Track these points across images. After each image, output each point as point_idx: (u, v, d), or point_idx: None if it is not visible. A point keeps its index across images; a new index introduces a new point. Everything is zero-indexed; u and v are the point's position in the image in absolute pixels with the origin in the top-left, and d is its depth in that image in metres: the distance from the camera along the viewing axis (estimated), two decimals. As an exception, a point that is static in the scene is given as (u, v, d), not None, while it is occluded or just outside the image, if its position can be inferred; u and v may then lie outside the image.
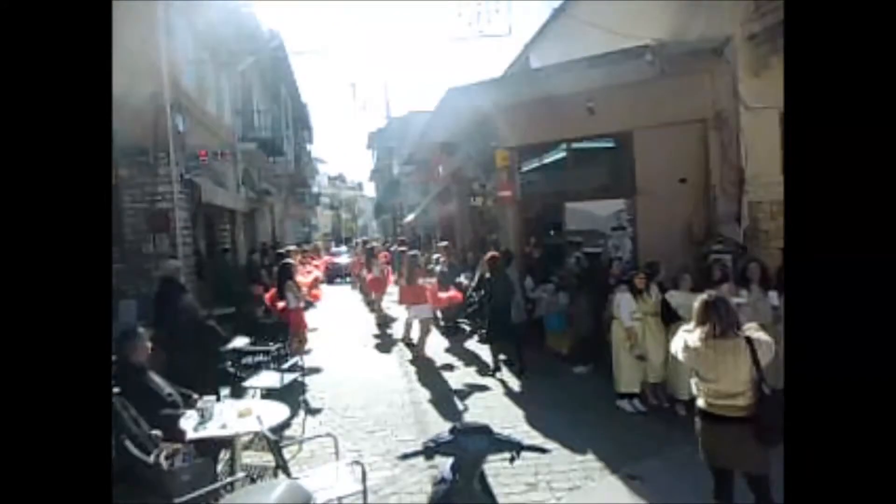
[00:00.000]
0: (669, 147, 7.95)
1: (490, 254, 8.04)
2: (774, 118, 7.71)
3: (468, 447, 2.38)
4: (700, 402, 3.31)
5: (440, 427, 5.58)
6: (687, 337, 3.30)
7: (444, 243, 11.30)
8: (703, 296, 3.34)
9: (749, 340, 3.11)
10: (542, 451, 2.77)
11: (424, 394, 6.80)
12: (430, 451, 2.39)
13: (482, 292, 8.52)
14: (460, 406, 6.31)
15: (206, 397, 4.00)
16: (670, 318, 5.68)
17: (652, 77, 7.72)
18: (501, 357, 7.53)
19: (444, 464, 2.48)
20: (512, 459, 2.47)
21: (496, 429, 2.51)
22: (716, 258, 6.83)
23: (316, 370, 7.74)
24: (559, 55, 10.66)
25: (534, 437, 5.11)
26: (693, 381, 3.36)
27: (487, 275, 7.87)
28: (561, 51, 11.09)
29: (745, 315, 4.55)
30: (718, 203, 7.68)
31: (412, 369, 7.98)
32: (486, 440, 2.42)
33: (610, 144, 8.96)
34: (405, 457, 2.50)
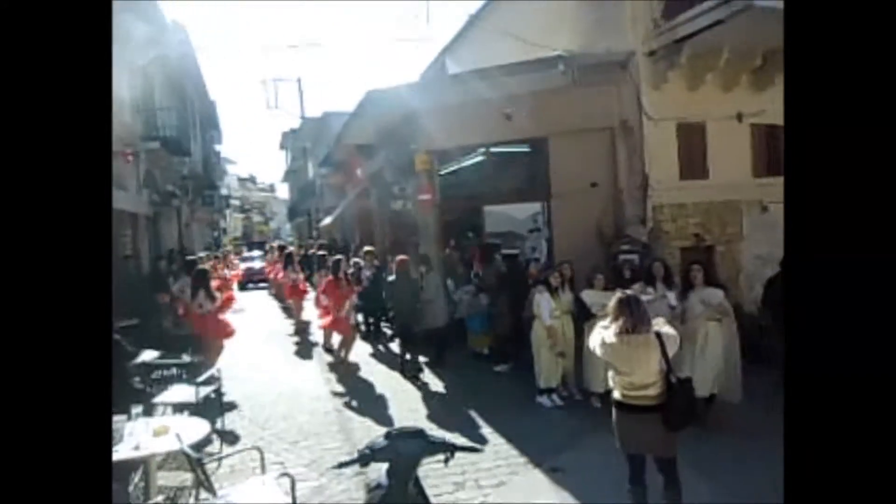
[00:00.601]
0: (581, 153, 8.36)
1: (399, 257, 8.15)
2: (673, 129, 8.39)
3: (403, 451, 2.40)
4: (616, 394, 3.53)
5: (366, 433, 5.55)
6: (603, 333, 3.50)
7: (369, 248, 11.05)
8: (618, 294, 3.56)
9: (658, 335, 3.36)
10: (475, 450, 2.84)
11: (347, 400, 6.71)
12: (365, 458, 2.38)
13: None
14: (384, 410, 6.29)
15: (114, 417, 3.72)
16: (584, 316, 5.98)
17: (564, 86, 8.10)
18: (420, 358, 7.62)
19: (380, 469, 2.48)
20: (446, 461, 2.51)
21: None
22: (625, 258, 7.27)
23: (232, 381, 7.40)
24: (474, 61, 10.92)
25: (455, 436, 5.20)
26: (609, 374, 3.58)
27: (391, 277, 7.96)
28: (476, 57, 11.36)
29: (652, 311, 4.91)
30: (626, 206, 8.19)
31: (334, 376, 7.84)
32: (421, 443, 2.45)
33: (526, 149, 9.29)
34: (341, 465, 2.48)
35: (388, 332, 10.09)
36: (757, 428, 5.35)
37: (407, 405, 6.41)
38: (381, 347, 9.38)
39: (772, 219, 9.16)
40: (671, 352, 3.35)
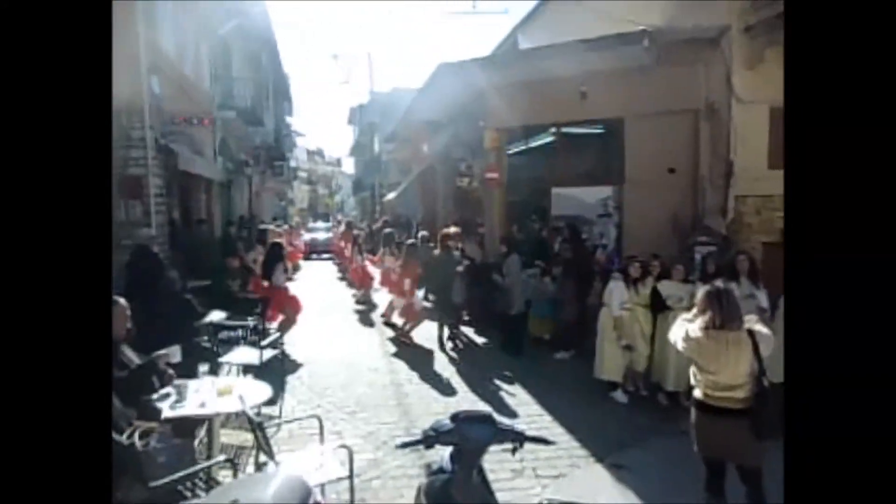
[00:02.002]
0: (660, 136, 7.89)
1: (443, 231, 8.06)
2: (765, 113, 7.74)
3: (471, 436, 2.27)
4: (697, 393, 3.27)
5: (422, 409, 5.53)
6: (688, 326, 3.24)
7: (454, 229, 9.21)
8: (707, 286, 3.28)
9: (751, 333, 3.08)
10: (547, 442, 2.68)
11: (407, 375, 6.70)
12: (430, 439, 2.27)
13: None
14: (441, 389, 6.23)
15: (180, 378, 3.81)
16: (660, 308, 5.66)
17: (647, 64, 7.62)
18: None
19: (443, 453, 2.38)
20: (514, 450, 2.38)
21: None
22: (703, 250, 6.82)
23: (293, 348, 7.57)
24: (548, 37, 10.49)
25: (516, 423, 5.05)
26: (692, 371, 3.31)
27: (437, 251, 7.88)
28: (551, 33, 10.91)
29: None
30: (706, 195, 7.68)
31: (393, 349, 7.87)
32: (490, 430, 2.32)
33: (600, 130, 8.89)
34: (405, 445, 2.38)
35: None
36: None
37: (463, 386, 6.33)
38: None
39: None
40: (765, 352, 3.05)
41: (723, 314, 3.08)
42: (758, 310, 4.91)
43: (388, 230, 11.51)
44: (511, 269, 7.54)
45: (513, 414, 5.41)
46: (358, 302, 11.30)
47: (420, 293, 8.49)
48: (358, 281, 11.99)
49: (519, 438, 2.37)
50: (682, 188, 7.82)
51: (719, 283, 3.41)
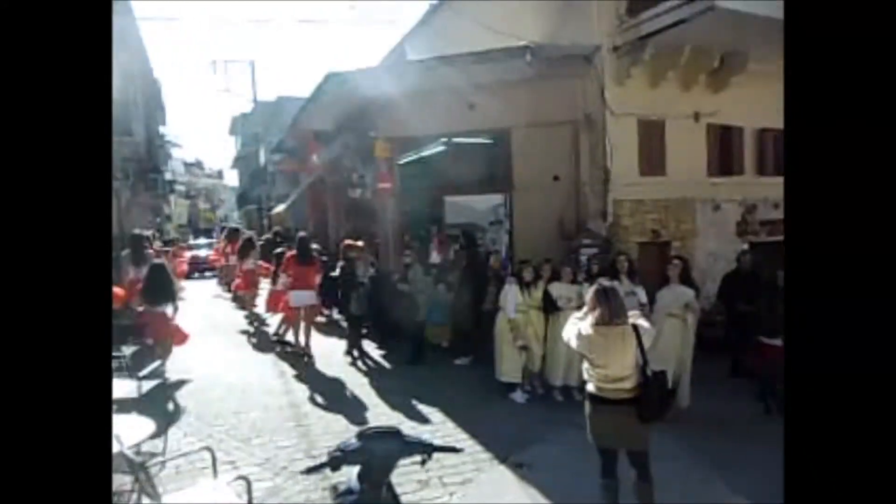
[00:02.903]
0: (544, 146, 8.33)
1: (345, 242, 8.00)
2: (634, 124, 8.46)
3: (378, 453, 2.20)
4: (590, 387, 3.45)
5: (322, 429, 5.32)
6: (579, 325, 3.42)
7: (360, 242, 8.88)
8: (595, 286, 3.48)
9: (635, 327, 3.31)
10: (454, 450, 2.67)
11: (304, 395, 6.43)
12: (337, 460, 2.17)
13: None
14: (340, 406, 6.05)
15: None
16: (551, 309, 5.93)
17: (530, 77, 8.02)
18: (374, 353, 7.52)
19: (350, 473, 2.29)
20: (423, 462, 2.34)
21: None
22: (586, 252, 7.27)
23: (179, 375, 6.98)
24: (436, 48, 10.71)
25: (420, 432, 5.04)
26: (584, 366, 3.49)
27: (341, 263, 7.80)
28: (438, 44, 11.15)
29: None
30: (587, 200, 8.21)
31: (288, 368, 7.52)
32: (397, 444, 2.26)
33: (489, 140, 9.18)
34: (310, 471, 2.26)
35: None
36: (712, 418, 5.48)
37: (364, 400, 6.19)
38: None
39: (723, 217, 9.44)
40: (647, 344, 3.31)
41: (610, 311, 3.29)
42: (638, 305, 5.32)
43: (279, 247, 10.75)
44: (416, 278, 7.54)
45: (417, 424, 5.38)
46: (249, 323, 10.69)
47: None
48: (245, 287, 11.21)
49: (427, 450, 2.34)
50: (566, 194, 8.31)
51: (605, 282, 3.63)
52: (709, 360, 7.65)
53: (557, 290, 5.93)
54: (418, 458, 2.35)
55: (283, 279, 8.19)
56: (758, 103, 9.58)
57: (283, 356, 8.05)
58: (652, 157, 8.66)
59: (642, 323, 3.38)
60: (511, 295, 5.98)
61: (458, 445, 4.69)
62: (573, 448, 4.60)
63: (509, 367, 6.09)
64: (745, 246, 9.08)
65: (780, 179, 10.22)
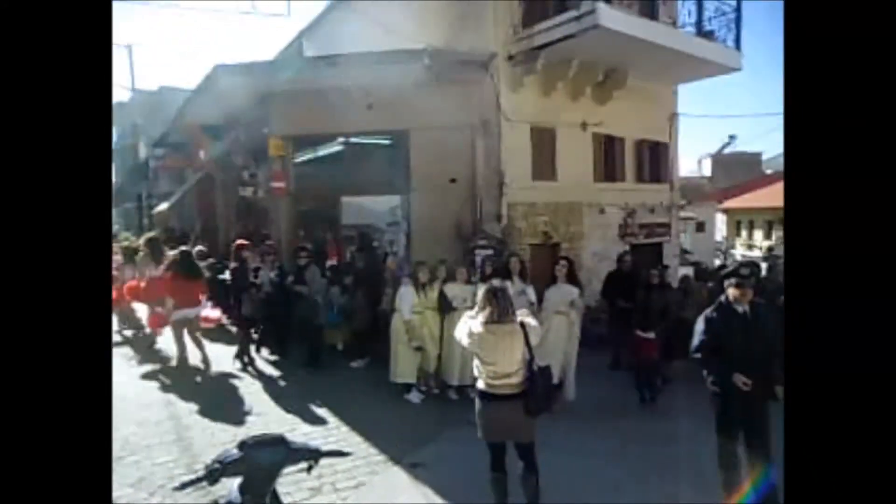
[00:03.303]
0: (442, 148, 8.42)
1: (237, 242, 7.71)
2: (527, 131, 8.84)
3: (260, 463, 2.10)
4: (480, 384, 3.53)
5: (206, 441, 4.99)
6: (470, 323, 3.49)
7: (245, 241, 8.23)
8: (486, 285, 3.58)
9: (522, 324, 3.44)
10: (343, 454, 2.61)
11: (187, 406, 5.99)
12: (214, 473, 2.04)
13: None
14: (228, 414, 5.71)
15: None
16: (446, 310, 6.01)
17: (428, 80, 8.08)
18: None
19: (231, 485, 2.16)
20: (309, 469, 2.27)
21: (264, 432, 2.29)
22: (481, 253, 7.46)
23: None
24: (333, 46, 10.51)
25: (315, 438, 4.89)
26: (475, 364, 3.57)
27: (233, 264, 7.44)
28: (336, 41, 10.93)
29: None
30: (483, 202, 8.43)
31: (170, 380, 6.98)
32: (281, 452, 2.17)
33: (387, 141, 9.14)
34: (183, 486, 2.10)
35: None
36: (594, 409, 5.84)
37: (255, 407, 5.90)
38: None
39: (607, 220, 10.13)
40: (534, 341, 3.45)
41: (499, 310, 3.39)
42: (528, 304, 5.53)
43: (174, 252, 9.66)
44: (314, 279, 7.30)
45: (311, 429, 5.22)
46: (124, 332, 9.78)
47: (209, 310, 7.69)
48: (131, 295, 10.12)
49: (314, 455, 2.27)
50: (463, 196, 8.47)
51: (496, 282, 3.74)
52: (594, 355, 8.17)
53: (452, 290, 6.03)
54: (304, 464, 2.27)
55: (162, 300, 7.33)
56: (636, 116, 10.43)
57: (167, 369, 7.46)
58: (544, 162, 9.09)
59: (529, 321, 3.52)
60: (407, 296, 5.98)
61: (352, 449, 4.64)
62: (467, 445, 4.67)
63: (405, 367, 6.09)
64: (626, 247, 9.80)
65: (657, 186, 11.26)
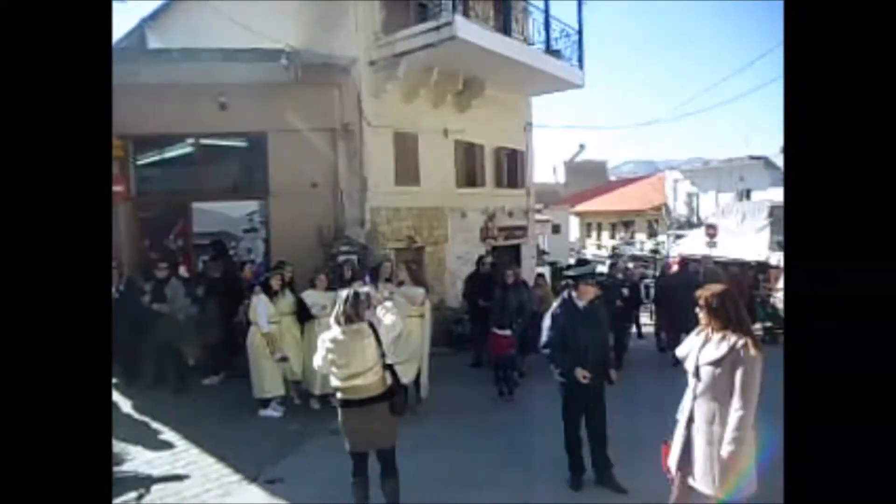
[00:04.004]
0: (302, 152, 8.20)
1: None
2: (390, 136, 8.91)
3: None
4: (339, 393, 3.49)
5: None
6: (331, 330, 3.46)
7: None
8: (343, 290, 3.56)
9: (371, 324, 3.44)
10: (179, 478, 2.43)
11: None
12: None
13: None
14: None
15: None
16: (306, 318, 5.84)
17: (286, 82, 7.82)
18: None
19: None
20: (140, 498, 2.09)
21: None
22: (345, 258, 7.38)
23: None
24: (182, 39, 9.79)
25: (160, 464, 4.47)
26: (332, 370, 3.51)
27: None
28: (184, 34, 10.19)
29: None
30: (345, 207, 8.34)
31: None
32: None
33: (243, 144, 8.69)
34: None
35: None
36: (454, 407, 6.04)
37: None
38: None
39: (469, 223, 10.54)
40: (386, 338, 3.45)
41: (348, 311, 3.40)
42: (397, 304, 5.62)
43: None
44: (177, 295, 6.65)
45: (152, 456, 4.76)
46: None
47: None
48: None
49: (145, 484, 2.09)
50: (325, 201, 8.32)
51: (358, 286, 3.70)
52: (456, 354, 8.49)
53: (312, 297, 5.88)
54: (133, 494, 2.09)
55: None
56: (495, 125, 11.00)
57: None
58: (407, 167, 9.22)
59: (380, 316, 3.54)
60: (261, 307, 5.72)
61: (203, 471, 4.34)
62: (329, 454, 4.61)
63: (268, 381, 5.80)
64: (486, 249, 10.28)
65: (515, 191, 11.95)
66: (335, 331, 3.41)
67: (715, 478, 2.90)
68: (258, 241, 8.50)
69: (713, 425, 2.92)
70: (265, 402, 5.80)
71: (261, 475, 4.37)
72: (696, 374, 3.00)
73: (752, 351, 2.77)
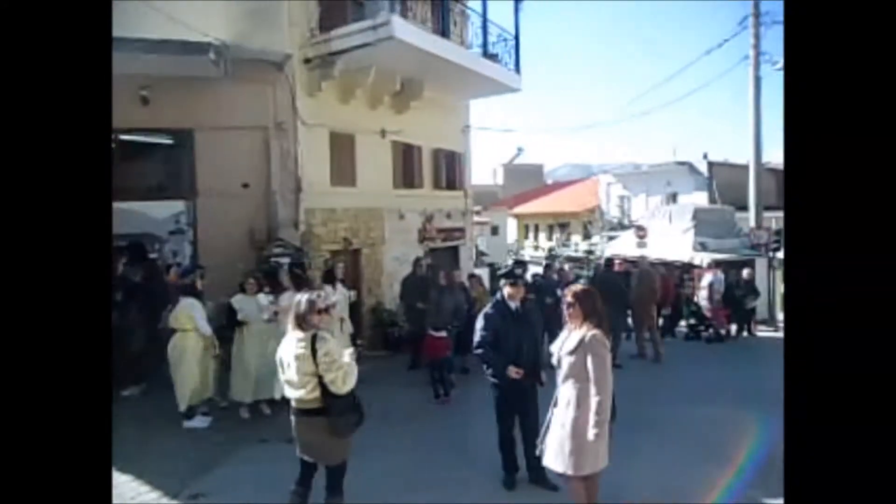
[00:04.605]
0: (233, 150, 7.91)
1: None
2: (325, 136, 8.73)
3: None
4: (292, 402, 3.37)
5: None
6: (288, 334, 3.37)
7: None
8: (300, 295, 3.43)
9: (314, 336, 3.23)
10: None
11: None
12: None
13: None
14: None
15: None
16: (233, 324, 5.61)
17: (216, 77, 7.49)
18: None
19: None
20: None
21: None
22: (278, 261, 7.16)
23: None
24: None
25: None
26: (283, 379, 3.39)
27: None
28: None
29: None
30: (278, 208, 8.09)
31: None
32: None
33: (168, 141, 8.27)
34: None
35: None
36: (390, 410, 5.97)
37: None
38: None
39: (407, 225, 10.49)
40: (322, 354, 3.18)
41: (297, 317, 3.28)
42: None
43: None
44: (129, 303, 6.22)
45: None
46: None
47: None
48: None
49: None
50: (257, 202, 8.04)
51: (308, 293, 3.53)
52: (393, 357, 8.44)
53: (240, 302, 5.66)
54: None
55: None
56: (433, 126, 11.00)
57: None
58: (343, 168, 9.06)
59: (323, 334, 3.30)
60: (197, 310, 5.42)
61: (119, 489, 4.08)
62: (258, 465, 4.46)
63: (192, 389, 5.52)
64: (423, 251, 10.26)
65: (453, 193, 12.00)
66: (288, 335, 3.30)
67: (565, 458, 3.29)
68: (185, 244, 8.12)
69: (567, 409, 3.33)
70: (190, 413, 5.51)
71: (183, 491, 4.15)
72: (559, 364, 3.41)
73: (597, 341, 3.24)
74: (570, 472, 3.31)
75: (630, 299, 8.71)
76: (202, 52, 7.18)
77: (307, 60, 8.39)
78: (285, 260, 7.42)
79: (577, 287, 3.58)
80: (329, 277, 6.43)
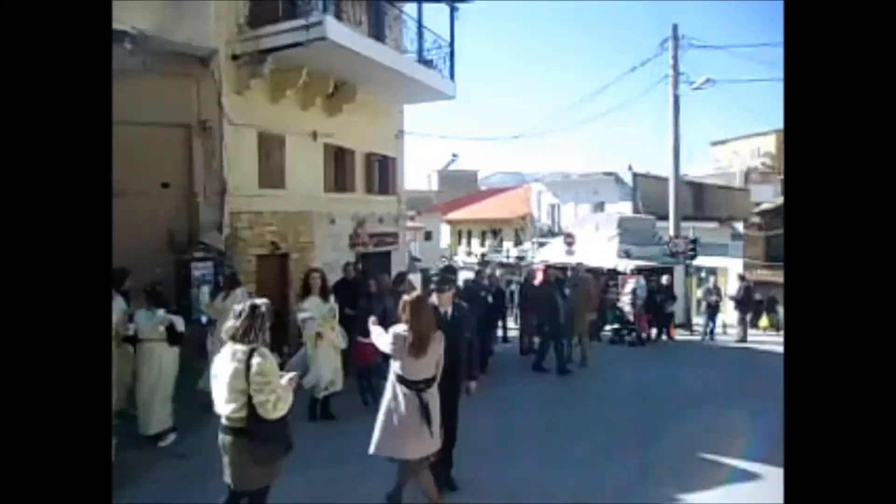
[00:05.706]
0: (152, 148, 7.46)
1: None
2: (254, 136, 8.43)
3: None
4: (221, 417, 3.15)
5: None
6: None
7: None
8: (240, 304, 3.25)
9: (251, 350, 3.01)
10: None
11: None
12: None
13: None
14: None
15: None
16: (137, 340, 5.21)
17: (133, 69, 7.06)
18: None
19: None
20: None
21: None
22: (199, 265, 6.83)
23: None
24: None
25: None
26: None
27: None
28: None
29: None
30: (201, 210, 7.73)
31: None
32: None
33: (78, 135, 7.71)
34: None
35: None
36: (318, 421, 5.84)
37: None
38: None
39: (338, 230, 10.30)
40: (254, 367, 2.96)
41: (238, 329, 3.09)
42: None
43: None
44: None
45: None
46: None
47: None
48: None
49: None
50: (177, 203, 7.64)
51: (264, 301, 3.30)
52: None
53: (144, 317, 5.21)
54: None
55: None
56: (366, 130, 10.89)
57: None
58: (272, 170, 8.78)
59: (263, 351, 3.08)
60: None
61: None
62: (177, 483, 4.24)
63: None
64: (355, 256, 10.12)
65: (386, 198, 11.91)
66: (226, 346, 3.08)
67: (377, 440, 3.75)
68: (95, 245, 7.58)
69: (388, 399, 3.79)
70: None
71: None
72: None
73: (409, 337, 3.67)
74: (379, 453, 3.76)
75: (566, 305, 8.92)
76: (117, 41, 6.75)
77: (235, 57, 8.08)
78: (207, 264, 7.10)
79: (409, 296, 3.96)
80: (306, 290, 6.09)
